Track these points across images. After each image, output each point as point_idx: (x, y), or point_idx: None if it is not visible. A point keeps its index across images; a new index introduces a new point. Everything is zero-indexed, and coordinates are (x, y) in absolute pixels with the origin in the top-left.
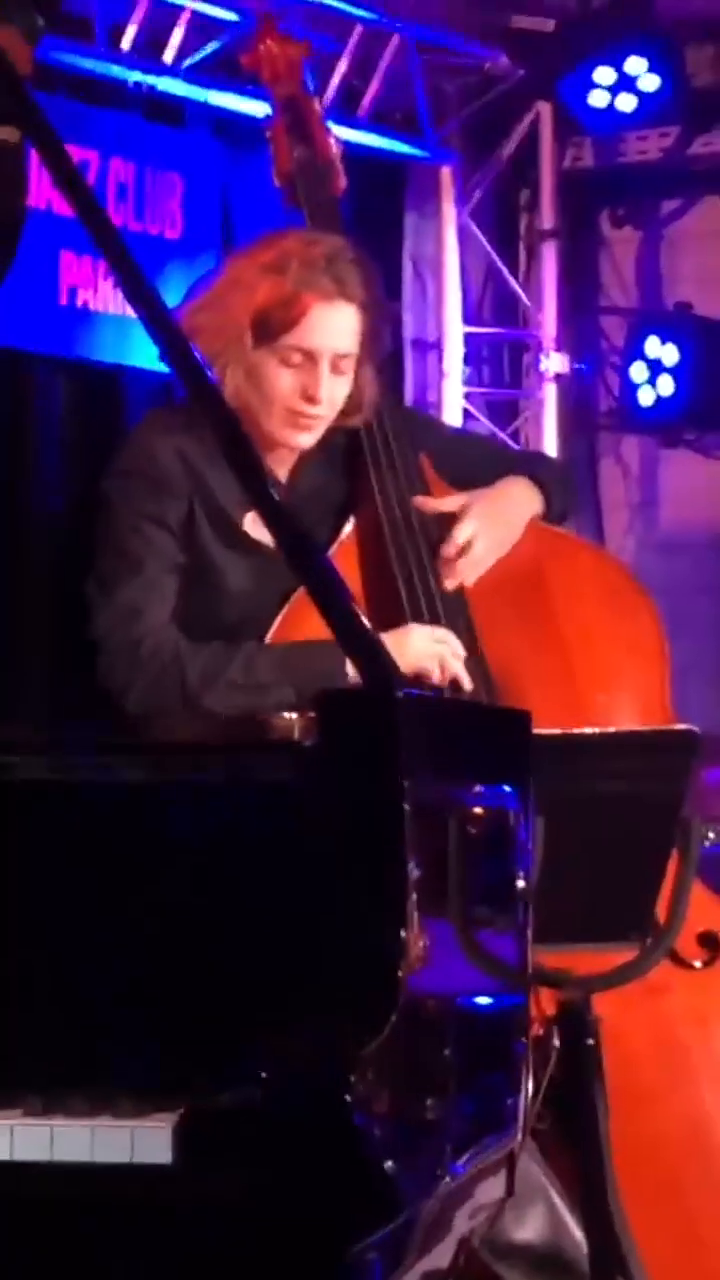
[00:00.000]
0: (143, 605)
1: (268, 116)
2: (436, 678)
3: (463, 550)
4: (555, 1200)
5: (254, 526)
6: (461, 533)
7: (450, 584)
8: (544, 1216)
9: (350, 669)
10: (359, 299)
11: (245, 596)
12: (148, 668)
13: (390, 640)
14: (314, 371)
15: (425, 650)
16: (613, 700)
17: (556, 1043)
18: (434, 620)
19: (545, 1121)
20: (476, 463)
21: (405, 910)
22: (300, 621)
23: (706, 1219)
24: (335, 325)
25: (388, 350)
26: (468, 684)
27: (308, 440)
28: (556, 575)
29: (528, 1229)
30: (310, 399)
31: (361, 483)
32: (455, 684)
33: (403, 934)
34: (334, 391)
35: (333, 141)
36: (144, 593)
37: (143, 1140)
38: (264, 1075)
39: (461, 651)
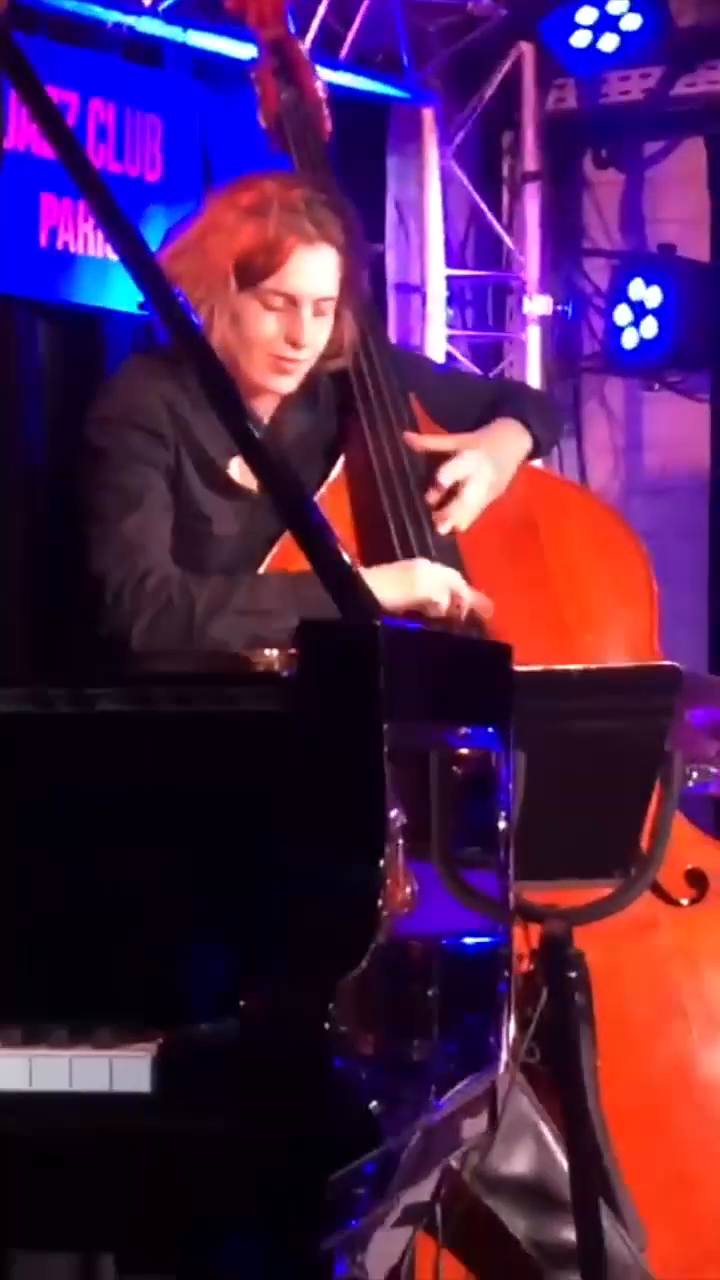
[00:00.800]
0: (145, 540)
1: (252, 59)
2: (445, 608)
3: (451, 492)
4: (545, 1134)
5: (239, 472)
6: (448, 473)
7: (443, 527)
8: (534, 1150)
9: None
10: (339, 241)
11: (232, 541)
12: (155, 600)
13: (397, 572)
14: (296, 315)
15: (434, 581)
16: (601, 642)
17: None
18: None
19: (535, 1056)
20: (463, 401)
21: (382, 842)
22: (295, 553)
23: (694, 1153)
24: (317, 268)
25: (367, 292)
26: (486, 614)
27: (289, 385)
28: (546, 518)
29: (518, 1162)
30: (294, 343)
31: (351, 423)
32: (472, 613)
33: (380, 864)
34: (316, 335)
35: (319, 85)
36: (145, 526)
37: (122, 1069)
38: (242, 1004)
39: (481, 600)
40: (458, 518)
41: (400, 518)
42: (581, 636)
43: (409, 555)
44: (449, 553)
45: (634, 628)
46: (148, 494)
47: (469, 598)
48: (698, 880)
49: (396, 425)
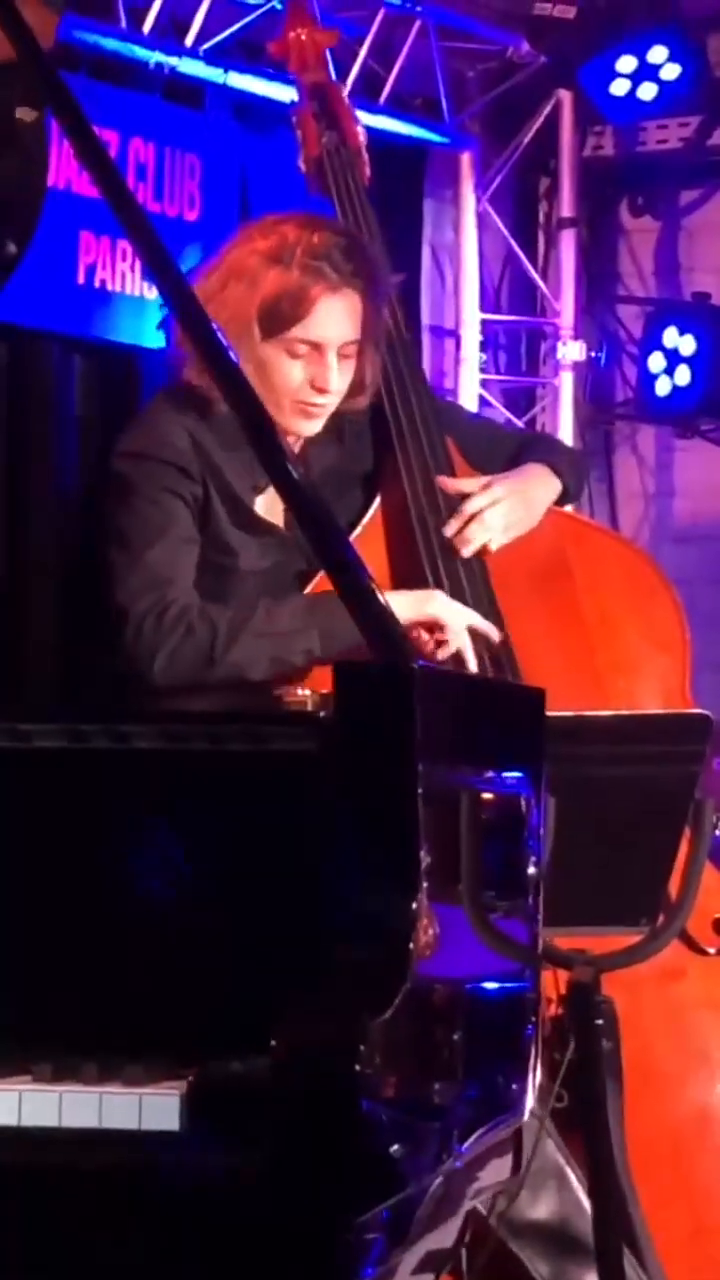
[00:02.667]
0: (170, 572)
1: (293, 103)
2: (455, 637)
3: (472, 518)
4: (572, 1180)
5: (266, 509)
6: (475, 503)
7: (465, 550)
8: (560, 1196)
9: None
10: (361, 285)
11: (259, 577)
12: (175, 630)
13: (413, 594)
14: (322, 361)
15: (449, 608)
16: (633, 687)
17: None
18: (459, 599)
19: (564, 1101)
20: (495, 446)
21: (416, 882)
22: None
23: (715, 1204)
24: (341, 315)
25: (398, 327)
26: (472, 662)
27: (315, 428)
28: (580, 562)
29: (543, 1208)
30: (320, 389)
31: (388, 462)
32: (497, 653)
33: (414, 906)
34: (341, 380)
35: (359, 130)
36: (169, 558)
37: (151, 1107)
38: (273, 1044)
39: (493, 633)
40: (477, 538)
41: (434, 557)
42: (614, 681)
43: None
44: (483, 593)
45: (666, 674)
46: (173, 526)
47: (493, 635)
48: None
49: (432, 465)
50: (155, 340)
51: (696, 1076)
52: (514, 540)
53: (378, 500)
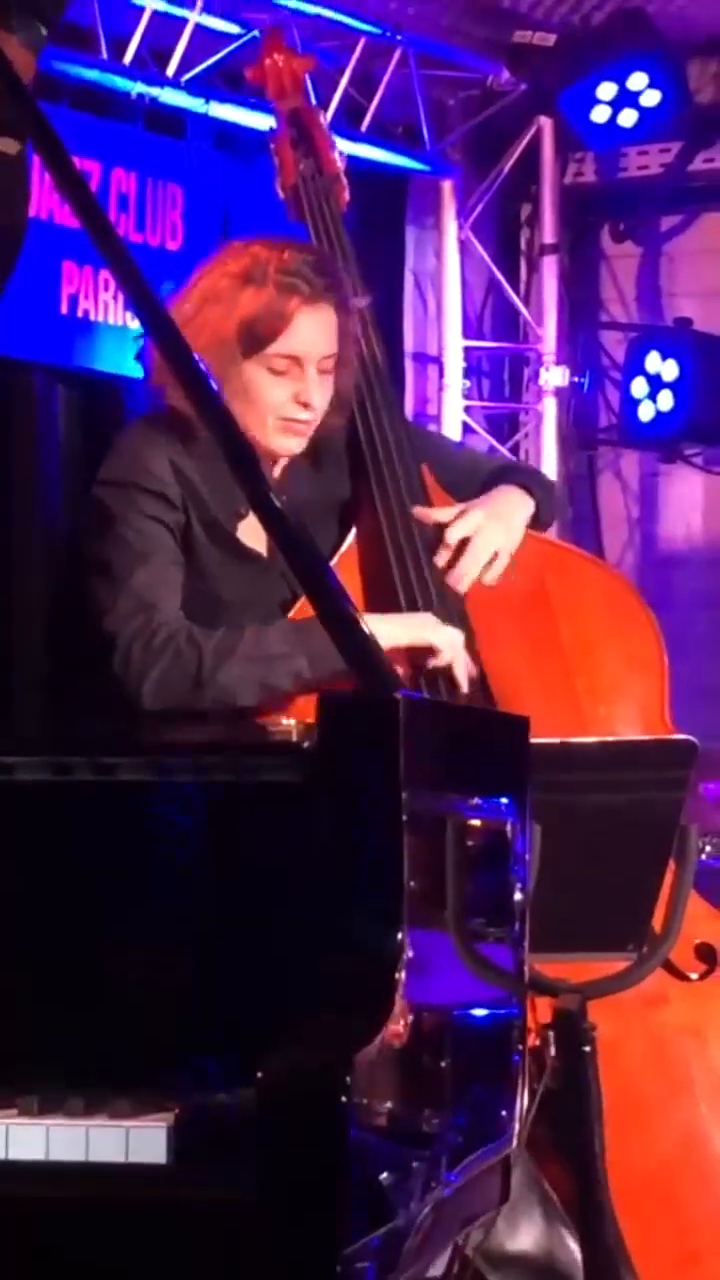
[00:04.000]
0: (155, 596)
1: (271, 129)
2: (445, 661)
3: (460, 550)
4: (550, 1210)
5: (247, 535)
6: (455, 531)
7: (461, 586)
8: (538, 1226)
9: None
10: (334, 299)
11: (241, 605)
12: (163, 654)
13: (404, 617)
14: (303, 376)
15: (442, 633)
16: (612, 713)
17: (553, 1053)
18: None
19: (539, 1132)
20: (470, 474)
21: (402, 912)
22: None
23: (701, 1231)
24: (319, 328)
25: (361, 351)
26: (464, 685)
27: (299, 446)
28: (557, 587)
29: (522, 1239)
30: (304, 404)
31: (363, 492)
32: (451, 680)
33: (399, 935)
34: (322, 394)
35: (337, 156)
36: (154, 582)
37: (138, 1140)
38: (259, 1075)
39: (472, 665)
40: (469, 571)
41: (410, 585)
42: (593, 707)
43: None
44: (458, 621)
45: (645, 698)
46: (157, 551)
47: (468, 664)
48: (707, 955)
49: (407, 493)
50: (138, 370)
51: (680, 1103)
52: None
53: (353, 532)
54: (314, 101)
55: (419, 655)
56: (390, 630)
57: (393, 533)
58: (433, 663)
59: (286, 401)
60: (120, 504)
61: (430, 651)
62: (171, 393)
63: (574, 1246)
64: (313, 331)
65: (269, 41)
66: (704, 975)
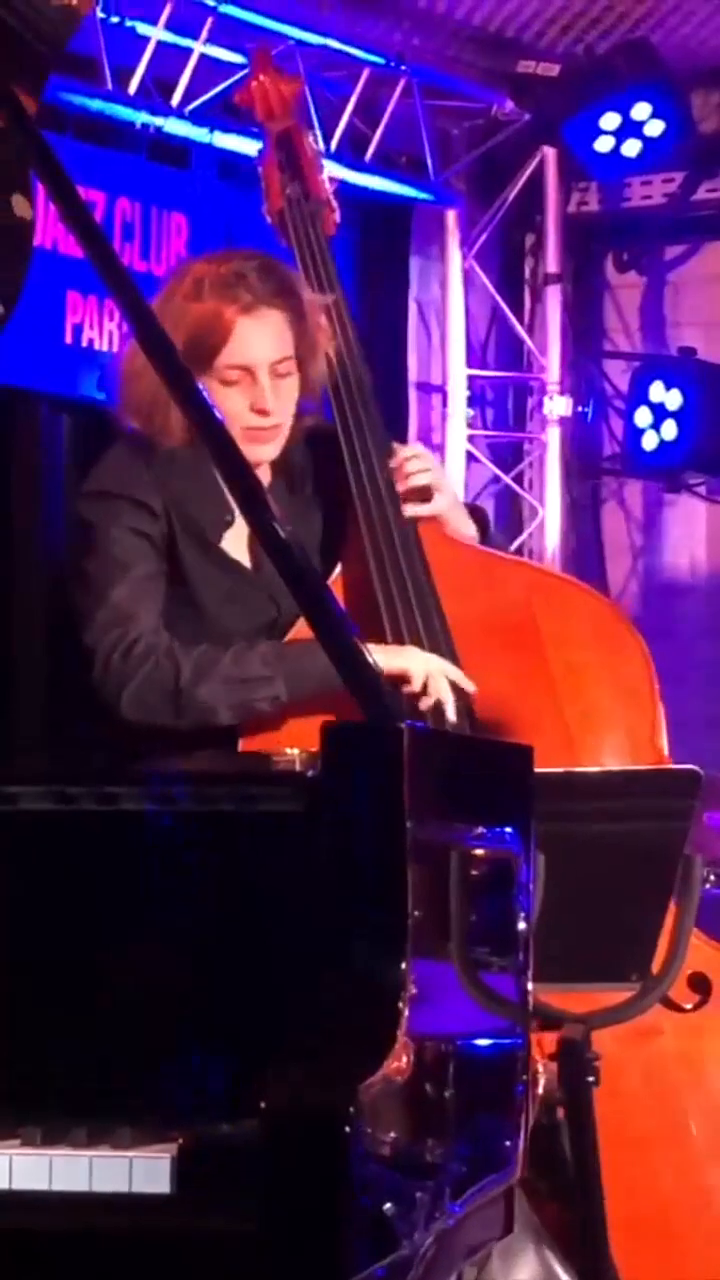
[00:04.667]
0: (134, 608)
1: (260, 152)
2: (422, 688)
3: (409, 463)
4: (544, 1245)
5: (231, 545)
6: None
7: (411, 481)
8: (533, 1261)
9: None
10: (283, 302)
11: (226, 617)
12: (140, 665)
13: (384, 649)
14: (256, 384)
15: (421, 662)
16: (602, 741)
17: (541, 1089)
18: None
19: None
20: None
21: (406, 942)
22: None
23: (696, 1261)
24: (262, 334)
25: (331, 337)
26: (451, 714)
27: (271, 452)
28: (545, 614)
29: (517, 1273)
30: (261, 411)
31: (348, 521)
32: (439, 711)
33: (403, 965)
34: (282, 399)
35: (325, 180)
36: (134, 594)
37: (142, 1170)
38: (263, 1105)
39: (466, 684)
40: (418, 474)
41: (395, 613)
42: (583, 736)
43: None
44: (446, 652)
45: (636, 727)
46: (136, 563)
47: (468, 688)
48: (701, 985)
49: (393, 521)
50: None
51: (674, 1133)
52: (477, 593)
53: (338, 568)
54: (308, 123)
55: (397, 685)
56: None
57: (378, 558)
58: (407, 689)
59: (244, 411)
60: (100, 515)
61: (404, 679)
62: (137, 413)
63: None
64: (257, 338)
65: (257, 62)
66: (697, 1006)
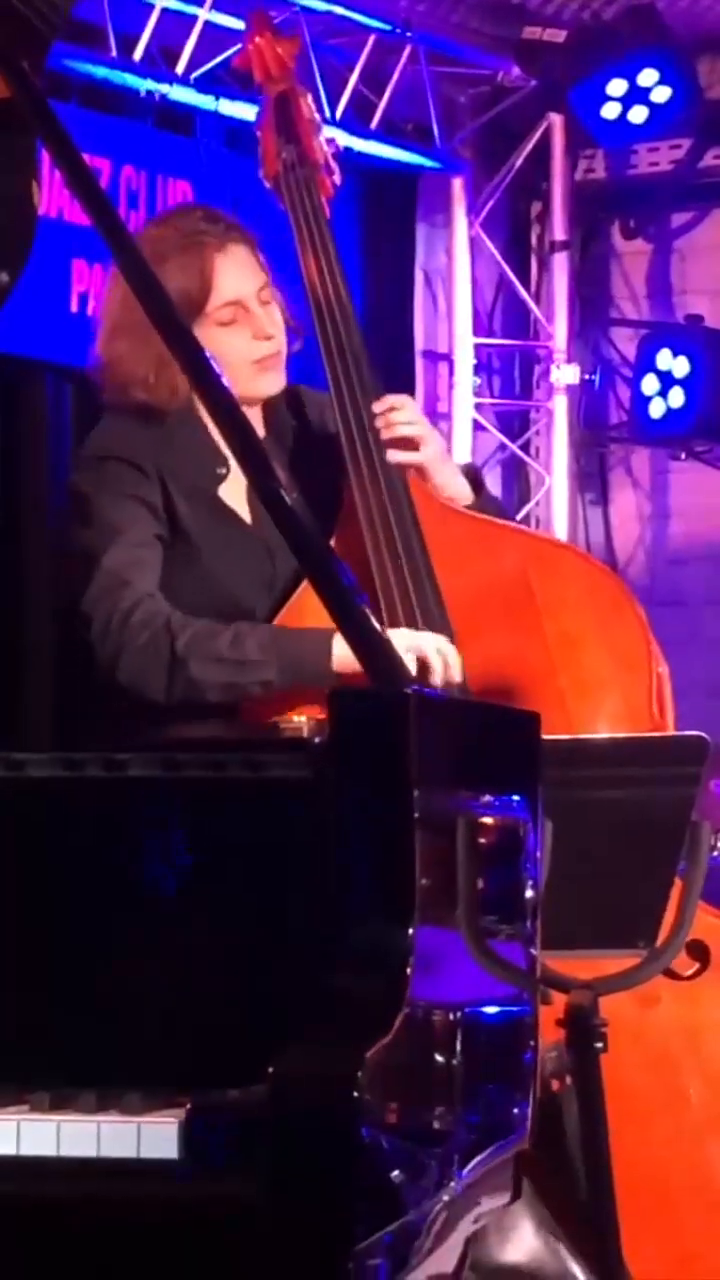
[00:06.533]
0: (130, 575)
1: (258, 116)
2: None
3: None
4: (541, 1221)
5: (229, 495)
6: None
7: (391, 432)
8: (530, 1237)
9: (336, 655)
10: (238, 235)
11: (224, 570)
12: (138, 634)
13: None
14: (250, 314)
15: (404, 645)
16: (598, 708)
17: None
18: (411, 626)
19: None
20: None
21: (413, 908)
22: (304, 611)
23: (696, 1231)
24: (240, 266)
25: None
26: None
27: (279, 382)
28: (540, 580)
29: (513, 1250)
30: (265, 337)
31: (344, 492)
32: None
33: (410, 931)
34: (275, 321)
35: (321, 143)
36: (129, 560)
37: (149, 1136)
38: (271, 1071)
39: (454, 662)
40: (400, 425)
41: (390, 589)
42: (578, 704)
43: (395, 624)
44: (439, 623)
45: (632, 694)
46: (131, 528)
47: (451, 659)
48: (700, 952)
49: (388, 495)
50: None
51: (672, 1102)
52: (472, 561)
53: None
54: (307, 86)
55: None
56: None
57: (374, 538)
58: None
59: (248, 344)
60: (93, 482)
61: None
62: (124, 383)
63: (565, 1257)
64: (237, 271)
65: (254, 23)
66: (696, 974)
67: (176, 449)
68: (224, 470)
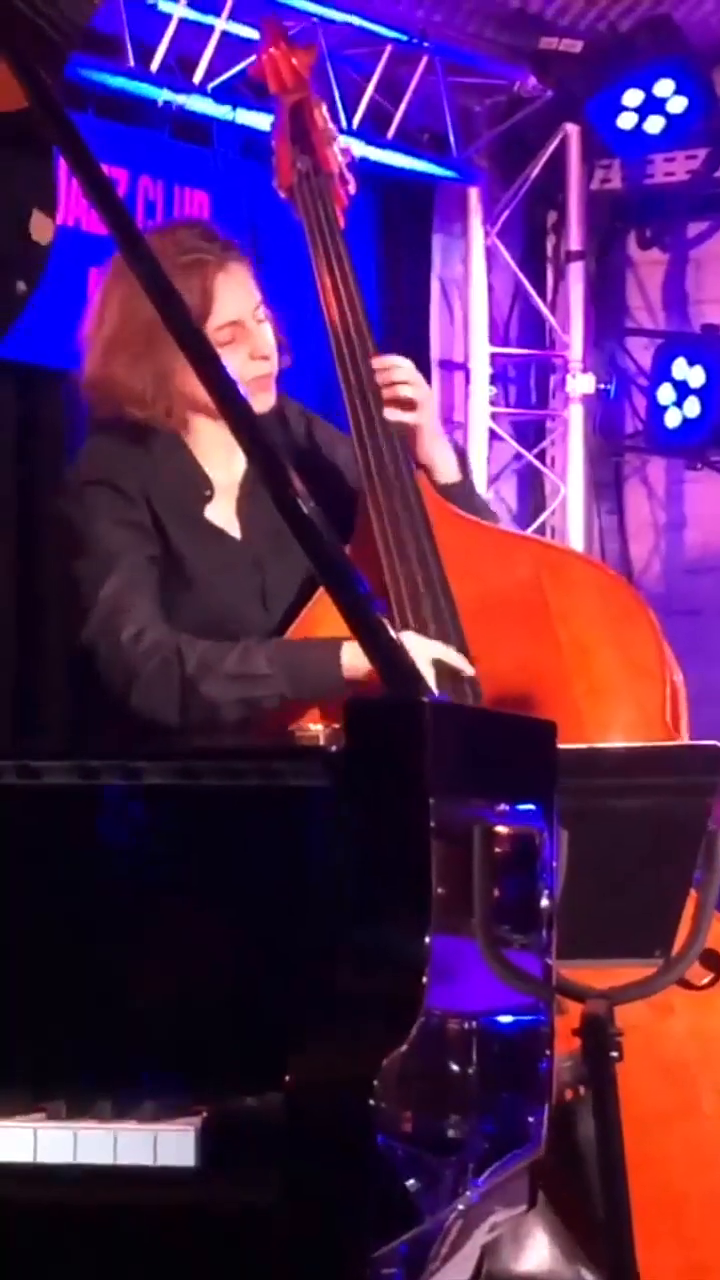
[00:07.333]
0: (129, 602)
1: (274, 126)
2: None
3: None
4: (556, 1230)
5: (216, 515)
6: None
7: (386, 378)
8: (545, 1247)
9: (345, 664)
10: (235, 254)
11: (218, 588)
12: (148, 661)
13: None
14: (248, 333)
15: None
16: (611, 717)
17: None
18: (424, 635)
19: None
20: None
21: (429, 916)
22: (318, 621)
23: (712, 1243)
24: (239, 285)
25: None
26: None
27: (270, 400)
28: (554, 588)
29: (527, 1260)
30: (262, 357)
31: (358, 502)
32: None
33: (426, 941)
34: (270, 340)
35: (336, 152)
36: (125, 586)
37: (166, 1143)
38: (287, 1079)
39: (465, 667)
40: (395, 377)
41: (401, 596)
42: (592, 711)
43: (406, 628)
44: (451, 630)
45: (646, 702)
46: (124, 554)
47: (465, 670)
48: (715, 962)
49: (401, 503)
50: None
51: (686, 1111)
52: (485, 570)
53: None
54: (322, 96)
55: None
56: (354, 659)
57: (384, 539)
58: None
59: (245, 364)
60: (76, 509)
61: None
62: (112, 398)
63: (580, 1266)
64: (237, 290)
65: (269, 33)
66: (711, 983)
67: (161, 473)
68: (209, 493)
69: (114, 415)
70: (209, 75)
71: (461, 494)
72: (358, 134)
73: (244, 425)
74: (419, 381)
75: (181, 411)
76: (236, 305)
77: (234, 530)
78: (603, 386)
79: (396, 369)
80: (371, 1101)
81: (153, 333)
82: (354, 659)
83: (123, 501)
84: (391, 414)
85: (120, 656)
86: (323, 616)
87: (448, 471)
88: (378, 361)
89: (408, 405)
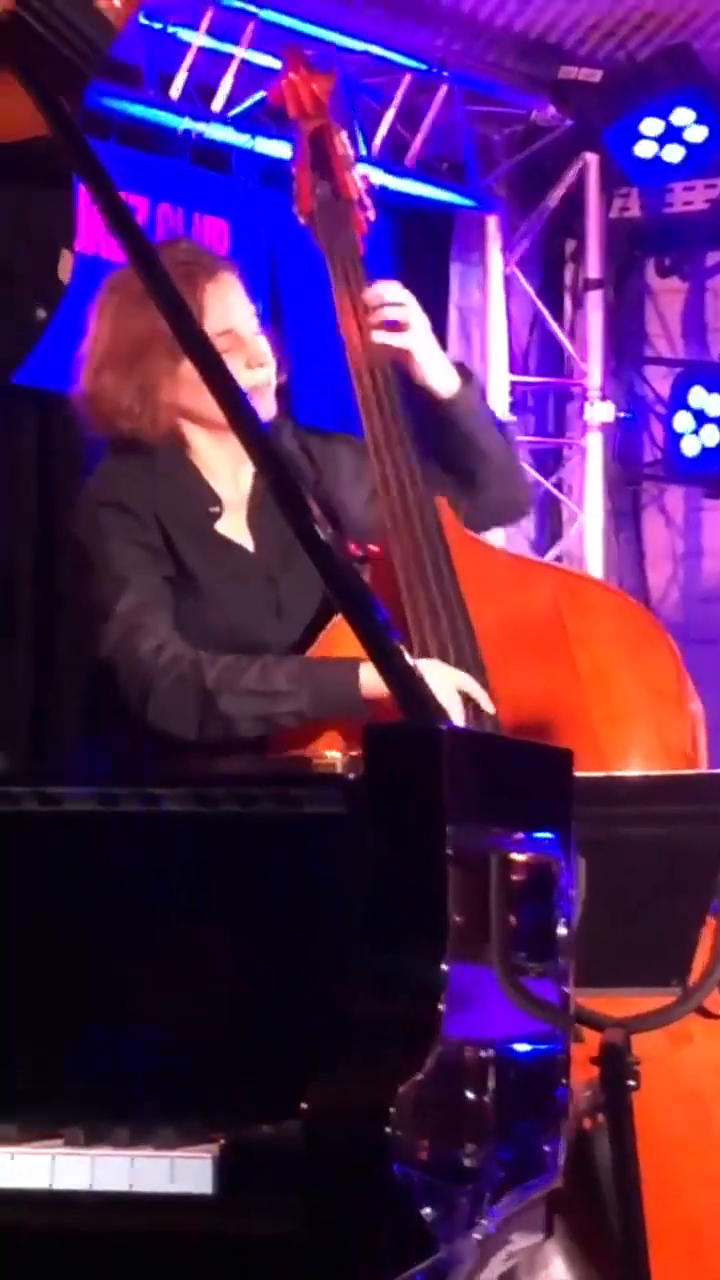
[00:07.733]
0: (145, 619)
1: (293, 153)
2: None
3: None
4: (572, 1259)
5: (227, 529)
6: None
7: (378, 337)
8: (562, 1276)
9: (364, 683)
10: (225, 264)
11: (231, 603)
12: (166, 675)
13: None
14: (242, 343)
15: (438, 682)
16: (630, 743)
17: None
18: (444, 660)
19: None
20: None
21: (446, 943)
22: (337, 644)
23: None
24: (232, 295)
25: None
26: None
27: (271, 410)
28: (573, 615)
29: None
30: (259, 364)
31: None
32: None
33: (444, 969)
34: (265, 349)
35: (355, 178)
36: (141, 603)
37: (183, 1170)
38: (304, 1107)
39: (485, 703)
40: (393, 315)
41: (421, 621)
42: (611, 738)
43: (425, 654)
44: (470, 657)
45: (665, 728)
46: (137, 571)
47: (482, 700)
48: None
49: (421, 529)
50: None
51: (702, 1140)
52: (504, 595)
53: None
54: (341, 122)
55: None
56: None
57: (405, 567)
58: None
59: (242, 373)
60: (88, 529)
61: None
62: (110, 416)
63: None
64: (229, 300)
65: (289, 60)
66: None
67: (170, 491)
68: (217, 509)
69: (107, 430)
70: (229, 103)
71: (466, 406)
72: (377, 162)
73: (258, 444)
74: (409, 301)
75: (169, 421)
76: (230, 314)
77: (247, 543)
78: (621, 415)
79: (386, 292)
80: (388, 1129)
81: (140, 346)
82: (372, 679)
83: (134, 522)
84: (380, 336)
85: (138, 670)
86: (340, 639)
87: (448, 386)
88: (368, 293)
89: (397, 328)
